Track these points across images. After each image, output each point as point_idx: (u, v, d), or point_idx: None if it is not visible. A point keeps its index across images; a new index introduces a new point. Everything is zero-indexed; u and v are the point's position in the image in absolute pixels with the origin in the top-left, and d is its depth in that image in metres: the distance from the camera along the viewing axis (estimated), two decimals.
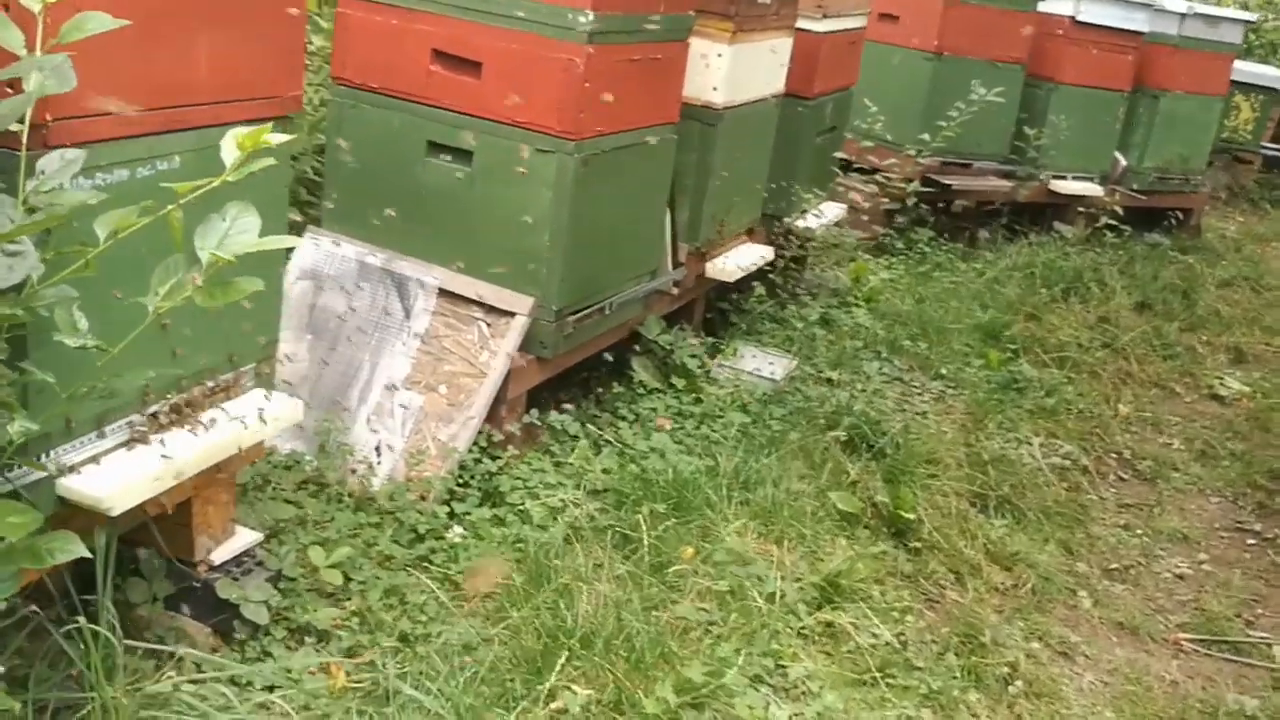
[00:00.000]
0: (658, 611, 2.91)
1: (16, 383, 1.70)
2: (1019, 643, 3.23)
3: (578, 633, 2.70)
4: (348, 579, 2.89)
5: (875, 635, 3.05)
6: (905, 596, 3.28)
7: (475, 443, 3.39)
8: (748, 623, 2.94)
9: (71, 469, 2.14)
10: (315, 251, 3.66)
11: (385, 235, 3.62)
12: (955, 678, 2.98)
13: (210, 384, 2.53)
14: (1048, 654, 3.27)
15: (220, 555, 2.73)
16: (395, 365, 3.49)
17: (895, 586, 3.33)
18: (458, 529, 3.08)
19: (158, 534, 2.56)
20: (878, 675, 2.90)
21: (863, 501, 3.65)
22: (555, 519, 3.25)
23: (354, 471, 3.35)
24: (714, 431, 3.90)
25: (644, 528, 3.17)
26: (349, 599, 2.85)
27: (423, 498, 3.23)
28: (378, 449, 3.38)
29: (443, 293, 3.53)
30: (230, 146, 1.64)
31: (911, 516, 3.57)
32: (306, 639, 2.72)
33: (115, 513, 2.17)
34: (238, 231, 1.66)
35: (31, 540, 1.80)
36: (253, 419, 2.58)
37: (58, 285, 1.69)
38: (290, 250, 3.67)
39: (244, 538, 2.80)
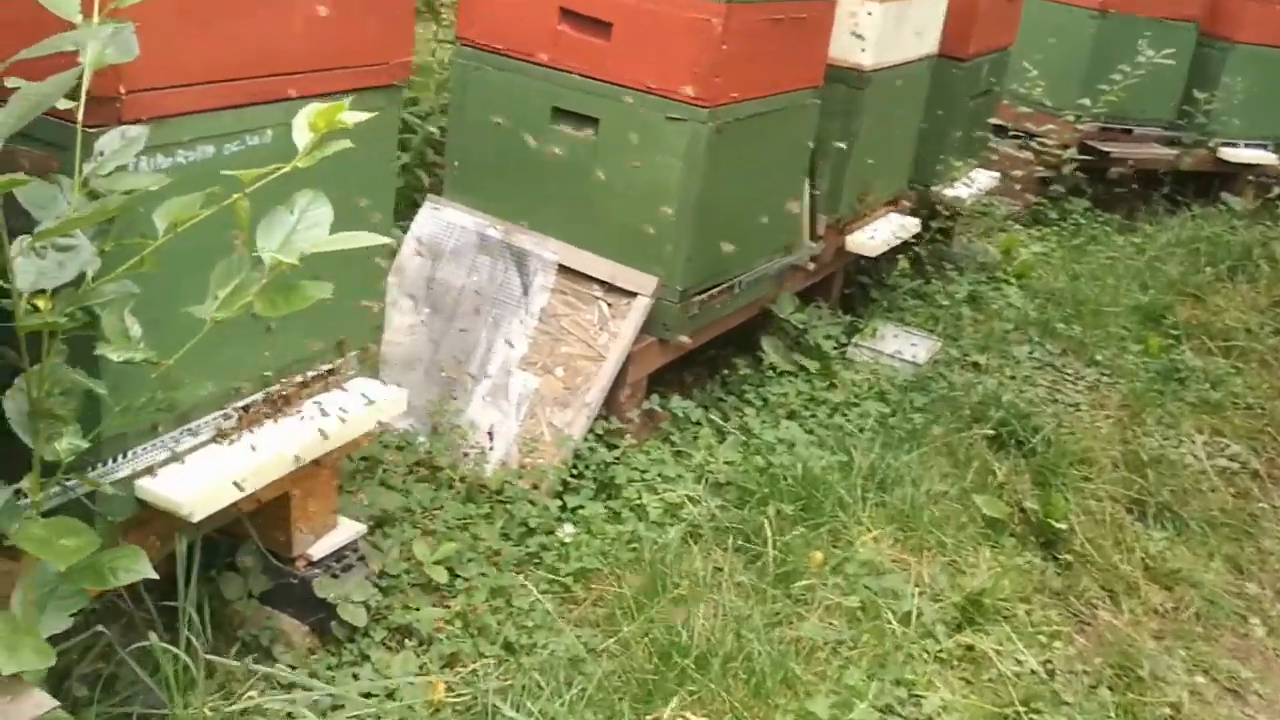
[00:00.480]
0: (781, 628, 2.68)
1: (71, 390, 1.54)
2: (1181, 677, 2.91)
3: (693, 651, 2.49)
4: (453, 575, 2.72)
5: (1019, 662, 2.77)
6: (1053, 618, 2.99)
7: (591, 430, 3.18)
8: (880, 644, 2.69)
9: (149, 470, 2.00)
10: (434, 222, 3.49)
11: (506, 206, 3.42)
12: (1110, 717, 2.69)
13: (310, 373, 2.37)
14: (1214, 691, 2.94)
15: (320, 549, 2.58)
16: (512, 344, 3.30)
17: (1043, 605, 3.04)
18: (569, 528, 2.88)
19: (252, 529, 2.43)
20: (1021, 710, 2.63)
21: (1010, 506, 3.35)
22: (673, 516, 3.03)
23: (466, 455, 3.18)
24: (848, 421, 3.63)
25: (769, 530, 2.93)
26: (454, 597, 2.68)
27: (535, 487, 3.04)
28: (490, 433, 3.20)
29: (562, 269, 3.32)
30: (302, 127, 1.43)
31: (1062, 526, 3.26)
32: (407, 641, 2.56)
33: (196, 518, 2.02)
34: (307, 226, 1.46)
35: (95, 557, 1.65)
36: (355, 410, 2.41)
37: (118, 281, 1.51)
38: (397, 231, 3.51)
39: (346, 530, 2.65)
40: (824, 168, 4.04)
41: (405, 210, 3.66)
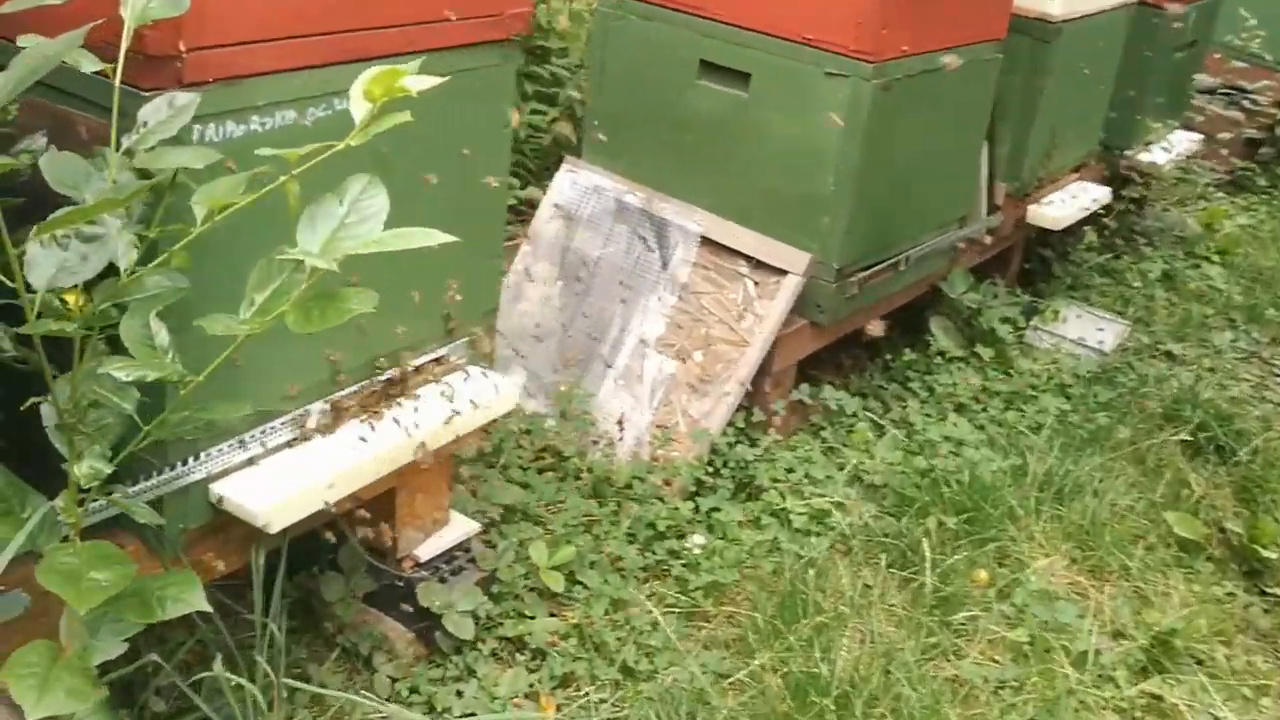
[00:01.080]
0: (936, 663, 2.36)
1: (102, 402, 1.31)
2: None
3: (834, 690, 2.19)
4: (572, 581, 2.48)
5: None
6: (1259, 665, 2.58)
7: (730, 422, 2.89)
8: (1050, 688, 2.34)
9: (224, 473, 1.79)
10: (572, 187, 3.22)
11: (647, 171, 3.13)
12: None
13: (413, 363, 2.13)
14: None
15: (429, 550, 2.36)
16: (649, 323, 3.02)
17: (1246, 649, 2.62)
18: (698, 539, 2.59)
19: (350, 530, 2.21)
20: None
21: (1208, 527, 2.92)
22: (820, 525, 2.72)
23: (594, 443, 2.93)
24: (1023, 419, 3.24)
25: (927, 547, 2.59)
26: (571, 608, 2.43)
27: (666, 484, 2.77)
28: (621, 422, 2.93)
29: (706, 242, 3.02)
30: (358, 97, 1.16)
31: (1271, 554, 2.82)
32: (518, 655, 2.33)
33: (274, 529, 1.80)
34: (358, 219, 1.19)
35: (143, 584, 1.44)
36: (464, 404, 2.17)
37: (163, 272, 1.27)
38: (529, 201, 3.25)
39: (459, 528, 2.42)
40: (1004, 130, 3.62)
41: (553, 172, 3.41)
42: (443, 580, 2.36)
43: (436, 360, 2.19)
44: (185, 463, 1.75)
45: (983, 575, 2.61)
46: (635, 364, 3.00)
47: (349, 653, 2.27)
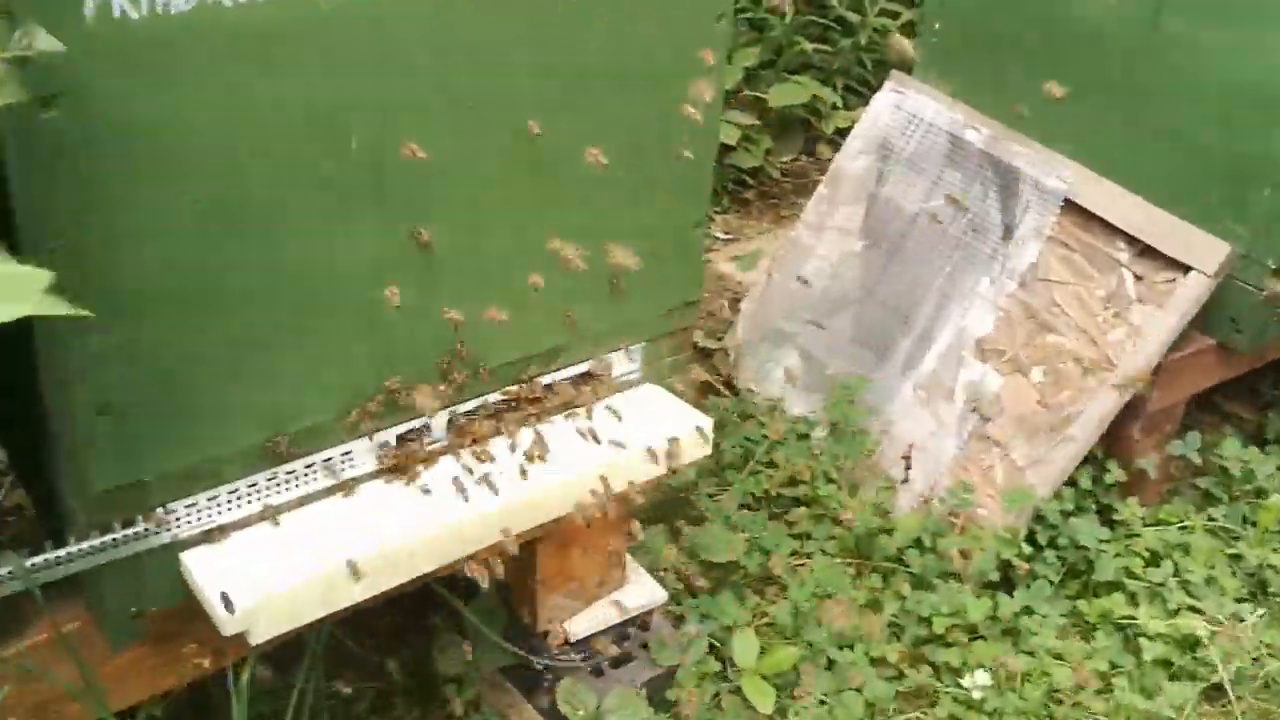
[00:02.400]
0: None
1: None
2: None
3: None
4: (784, 694, 1.71)
5: None
6: None
7: (1071, 479, 1.98)
8: None
9: (207, 536, 1.15)
10: (893, 114, 2.36)
11: (1000, 97, 2.21)
12: None
13: (544, 380, 1.42)
14: None
15: (585, 624, 1.68)
16: (973, 314, 2.15)
17: None
18: (982, 676, 1.73)
19: (457, 602, 1.55)
20: None
21: None
22: (1187, 657, 1.79)
23: (867, 474, 2.12)
24: None
25: None
26: None
27: (963, 556, 1.92)
28: (910, 454, 2.10)
29: (1070, 208, 2.09)
30: None
31: None
32: None
33: (256, 641, 1.15)
34: None
35: None
36: (636, 448, 1.44)
37: None
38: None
39: (636, 593, 1.72)
40: None
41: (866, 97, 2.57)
42: (598, 672, 1.67)
43: (586, 376, 1.46)
44: (136, 522, 1.13)
45: None
46: (946, 370, 2.14)
47: None
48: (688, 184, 1.42)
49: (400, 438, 1.30)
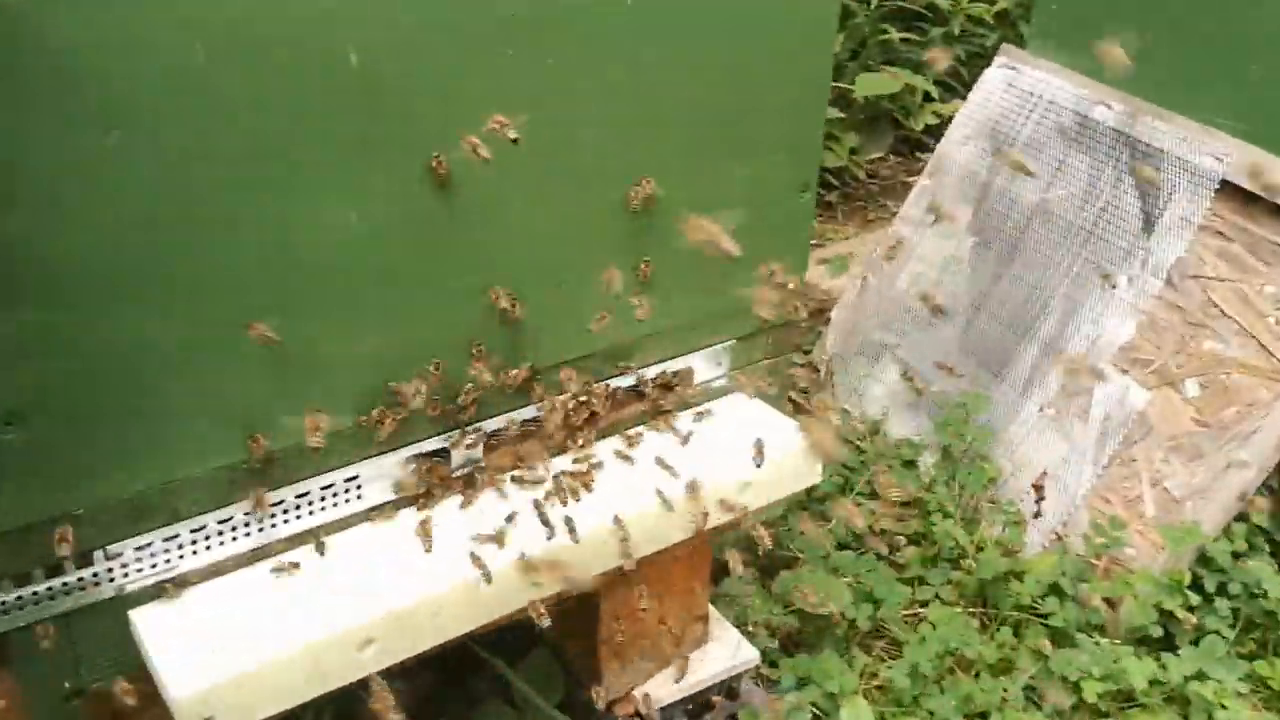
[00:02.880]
0: None
1: None
2: None
3: None
4: None
5: None
6: None
7: (1242, 514, 1.65)
8: None
9: (163, 590, 0.88)
10: (1004, 92, 2.05)
11: (1133, 68, 1.90)
12: None
13: (610, 382, 1.13)
14: None
15: (659, 692, 1.38)
16: (1110, 319, 1.83)
17: None
18: None
19: (503, 665, 1.26)
20: None
21: None
22: None
23: (989, 506, 1.80)
24: None
25: None
26: None
27: (1109, 606, 1.59)
28: (1041, 482, 1.77)
29: (1228, 190, 1.76)
30: None
31: None
32: None
33: None
34: None
35: None
36: (724, 478, 1.14)
37: None
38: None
39: (719, 655, 1.42)
40: None
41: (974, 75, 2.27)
42: None
43: (666, 388, 1.16)
44: (66, 570, 0.85)
45: None
46: (1079, 386, 1.81)
47: None
48: (794, 138, 1.12)
49: (422, 457, 1.01)
